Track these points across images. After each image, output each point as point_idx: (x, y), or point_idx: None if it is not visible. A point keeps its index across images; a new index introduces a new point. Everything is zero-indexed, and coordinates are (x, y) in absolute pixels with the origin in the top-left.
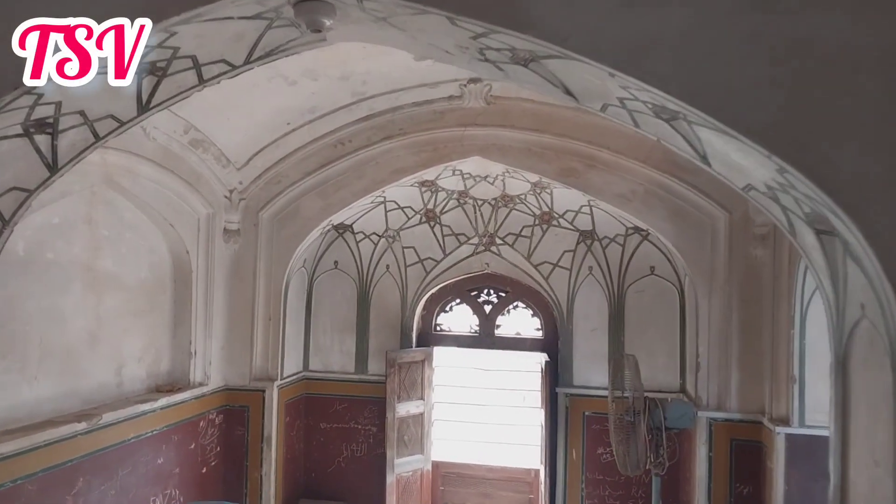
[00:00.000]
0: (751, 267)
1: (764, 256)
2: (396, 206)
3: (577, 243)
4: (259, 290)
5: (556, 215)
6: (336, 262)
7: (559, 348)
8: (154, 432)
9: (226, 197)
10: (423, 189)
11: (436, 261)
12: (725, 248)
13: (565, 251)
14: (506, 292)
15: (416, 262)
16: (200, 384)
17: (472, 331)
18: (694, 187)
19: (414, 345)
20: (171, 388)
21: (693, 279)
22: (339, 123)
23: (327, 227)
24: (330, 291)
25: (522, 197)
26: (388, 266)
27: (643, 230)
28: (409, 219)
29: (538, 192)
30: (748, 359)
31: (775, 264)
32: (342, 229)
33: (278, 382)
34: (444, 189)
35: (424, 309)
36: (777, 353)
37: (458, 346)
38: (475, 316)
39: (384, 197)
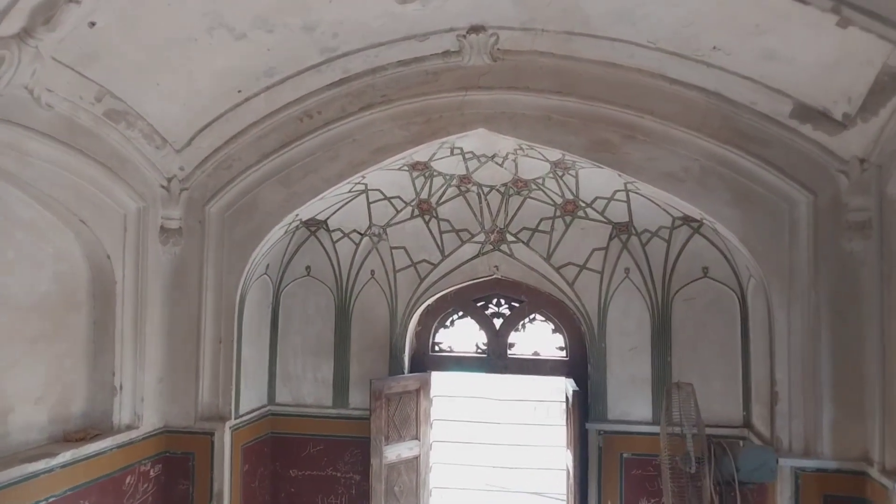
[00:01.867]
0: (845, 266)
1: (864, 252)
2: (381, 196)
3: (610, 239)
4: (207, 305)
5: (583, 204)
6: (308, 268)
7: (589, 373)
8: (52, 499)
9: (162, 187)
10: (415, 173)
11: (432, 264)
12: (809, 242)
13: (595, 249)
14: (520, 302)
15: (408, 266)
16: (129, 427)
17: (479, 351)
18: (766, 162)
19: (406, 370)
20: (84, 436)
21: (765, 283)
22: (305, 90)
23: (294, 224)
24: (301, 304)
25: (540, 181)
26: (372, 271)
27: (694, 221)
28: (397, 212)
29: (560, 174)
30: (846, 388)
31: (882, 261)
32: (314, 226)
33: (232, 422)
34: (440, 173)
35: (419, 324)
36: (891, 381)
37: (462, 370)
38: (482, 332)
39: (365, 184)
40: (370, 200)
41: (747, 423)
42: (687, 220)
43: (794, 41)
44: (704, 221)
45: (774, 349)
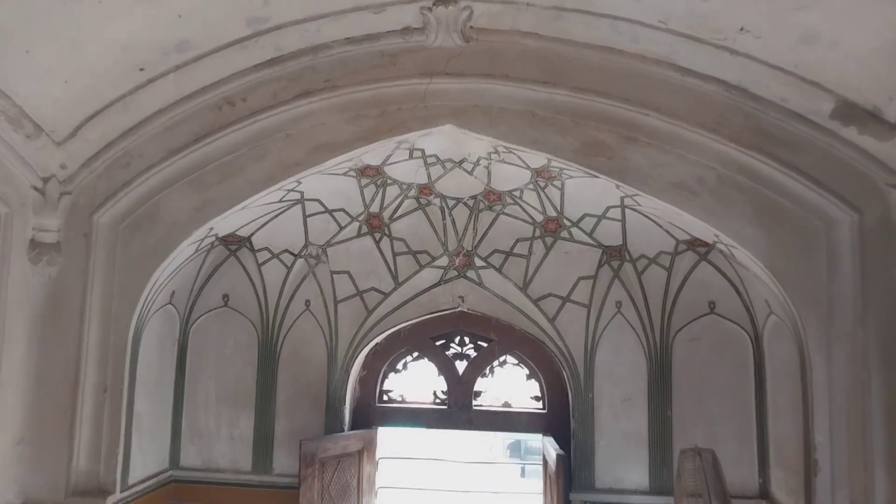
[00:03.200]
0: None
1: None
2: (321, 209)
3: (600, 266)
4: (89, 343)
5: (569, 222)
6: (226, 297)
7: (573, 429)
8: None
9: (35, 189)
10: (364, 180)
11: (383, 293)
12: (854, 270)
13: (581, 278)
14: (489, 341)
15: (353, 296)
16: None
17: (438, 401)
18: (798, 171)
19: (347, 426)
20: None
21: (799, 320)
22: (227, 71)
23: (209, 240)
24: (216, 342)
25: (517, 194)
26: (308, 302)
27: (702, 246)
28: (341, 228)
29: (542, 185)
30: None
31: None
32: (234, 243)
33: (118, 496)
34: (395, 181)
35: (365, 368)
36: None
37: (416, 425)
38: (442, 378)
39: (301, 192)
40: (307, 213)
41: (764, 494)
42: (694, 244)
43: (842, 19)
44: (718, 245)
45: (812, 405)
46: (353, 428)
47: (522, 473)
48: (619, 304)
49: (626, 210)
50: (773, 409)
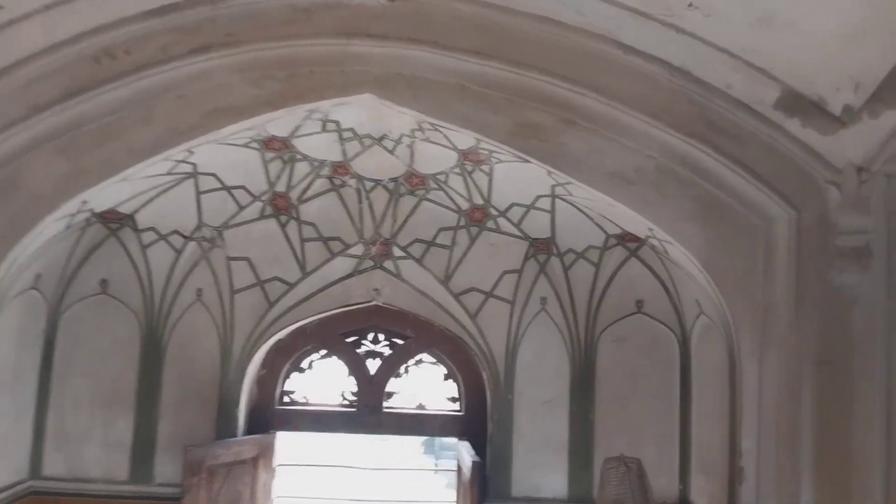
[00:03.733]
0: (834, 305)
1: (858, 286)
2: (218, 185)
3: (526, 259)
4: None
5: (496, 212)
6: (104, 283)
7: (490, 433)
8: None
9: None
10: (269, 154)
11: (288, 283)
12: (790, 272)
13: (506, 272)
14: (405, 338)
15: (253, 286)
16: None
17: (346, 403)
18: (739, 164)
19: (241, 430)
20: None
21: (732, 323)
22: (109, 17)
23: (83, 216)
24: (91, 334)
25: (442, 178)
26: (199, 291)
27: (632, 241)
28: (241, 208)
29: (470, 169)
30: (831, 463)
31: (892, 300)
32: (115, 222)
33: None
34: (306, 157)
35: (265, 367)
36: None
37: (321, 429)
38: (353, 378)
39: (194, 164)
40: (200, 189)
41: (684, 500)
42: (624, 238)
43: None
44: (651, 240)
45: (740, 411)
46: (249, 433)
47: (436, 470)
48: (543, 300)
49: (557, 200)
50: (698, 413)
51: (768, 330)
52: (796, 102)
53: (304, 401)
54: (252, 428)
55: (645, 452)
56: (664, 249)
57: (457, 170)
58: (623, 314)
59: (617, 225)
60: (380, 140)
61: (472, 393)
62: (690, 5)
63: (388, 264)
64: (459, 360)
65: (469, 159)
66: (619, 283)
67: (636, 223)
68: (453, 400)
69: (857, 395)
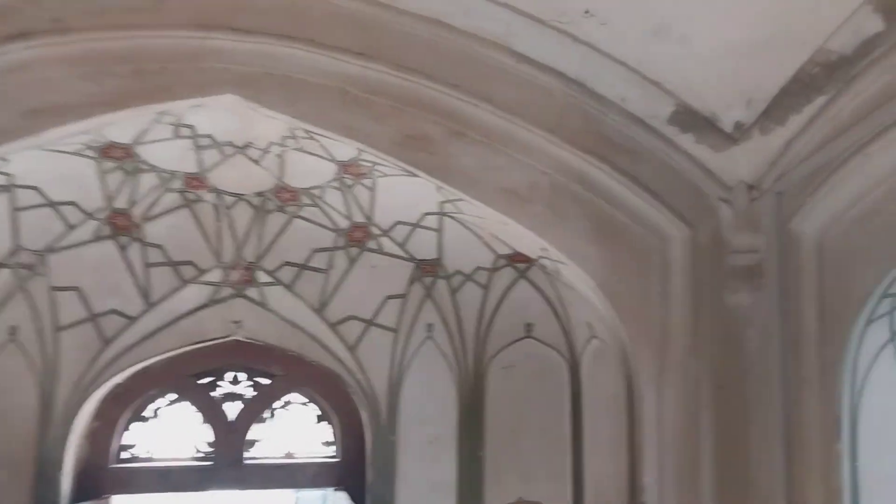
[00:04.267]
0: (728, 326)
1: (751, 307)
2: (41, 201)
3: (411, 283)
4: None
5: (378, 231)
6: None
7: (370, 480)
8: None
9: None
10: (107, 164)
11: (128, 318)
12: (685, 293)
13: (389, 297)
14: (271, 377)
15: (84, 321)
16: None
17: (200, 455)
18: (636, 182)
19: (66, 498)
20: None
21: (629, 348)
22: None
23: None
24: None
25: (317, 193)
26: (13, 330)
27: (522, 261)
28: (70, 228)
29: (349, 183)
30: (735, 499)
31: (786, 321)
32: None
33: None
34: (152, 167)
35: (98, 418)
36: (799, 485)
37: (170, 488)
38: (208, 425)
39: (9, 174)
40: (18, 205)
41: None
42: (513, 259)
43: (697, 11)
44: (543, 260)
45: (640, 442)
46: (77, 500)
47: None
48: (430, 327)
49: (445, 218)
50: (592, 444)
51: (667, 354)
52: (690, 118)
53: (147, 456)
54: (81, 494)
55: (537, 489)
56: (557, 270)
57: (335, 184)
58: (512, 339)
59: (508, 245)
60: (243, 149)
61: (351, 436)
62: (587, 12)
63: (252, 292)
64: (335, 398)
65: (349, 172)
66: (508, 306)
67: (529, 243)
68: (328, 444)
69: (753, 421)
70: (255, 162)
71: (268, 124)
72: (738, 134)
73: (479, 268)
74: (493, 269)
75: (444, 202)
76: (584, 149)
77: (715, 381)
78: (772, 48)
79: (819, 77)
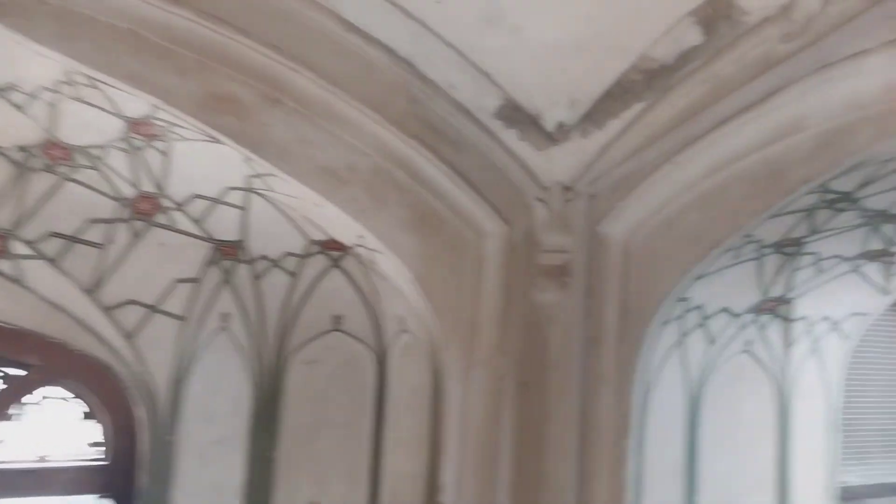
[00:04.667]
0: (535, 324)
1: (557, 306)
2: None
3: (207, 266)
4: None
5: (171, 203)
6: None
7: (142, 485)
8: None
9: None
10: None
11: None
12: (497, 289)
13: (179, 281)
14: (26, 368)
15: None
16: None
17: None
18: (459, 174)
19: None
20: None
21: (440, 342)
22: None
23: None
24: None
25: (97, 153)
26: None
27: (336, 249)
28: None
29: (139, 145)
30: (528, 492)
31: (589, 320)
32: None
33: None
34: None
35: None
36: (590, 478)
37: None
38: None
39: None
40: None
41: None
42: (327, 246)
43: (534, 3)
44: (359, 248)
45: (442, 439)
46: None
47: None
48: (226, 317)
49: (253, 195)
50: (393, 442)
51: (475, 349)
52: (515, 113)
53: None
54: None
55: (332, 490)
56: (373, 259)
57: (121, 144)
58: (319, 332)
59: (322, 230)
60: (4, 91)
61: (123, 436)
62: None
63: (5, 265)
64: (107, 394)
65: (140, 132)
66: (318, 296)
67: (346, 229)
68: (95, 445)
69: (552, 418)
70: (19, 108)
71: (38, 64)
72: (560, 134)
73: (288, 253)
74: (304, 256)
75: (252, 176)
76: (409, 133)
77: (519, 378)
78: (598, 50)
79: (639, 84)
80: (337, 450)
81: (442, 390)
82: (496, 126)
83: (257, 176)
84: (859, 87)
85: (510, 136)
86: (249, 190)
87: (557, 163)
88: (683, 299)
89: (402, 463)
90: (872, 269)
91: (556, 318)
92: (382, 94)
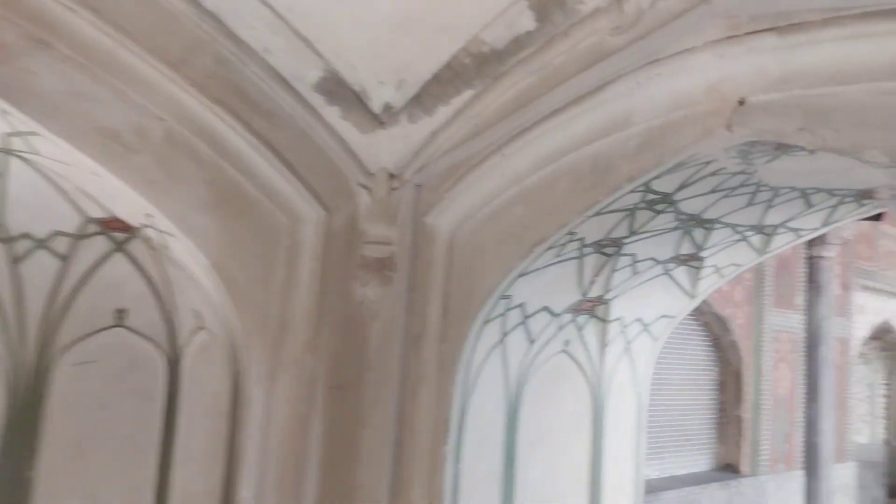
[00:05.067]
0: (354, 321)
1: (379, 302)
2: None
3: None
4: None
5: None
6: None
7: None
8: None
9: None
10: None
11: None
12: (313, 281)
13: None
14: None
15: None
16: None
17: None
18: (272, 150)
19: None
20: None
21: (242, 341)
22: None
23: None
24: None
25: None
26: None
27: (120, 229)
28: None
29: None
30: (340, 502)
31: (412, 318)
32: None
33: None
34: None
35: None
36: (406, 487)
37: None
38: None
39: None
40: None
41: None
42: (109, 225)
43: None
44: (148, 230)
45: (241, 450)
46: None
47: None
48: None
49: (12, 158)
50: (184, 456)
51: (283, 350)
52: (339, 89)
53: None
54: None
55: None
56: (164, 243)
57: None
58: (96, 328)
59: (102, 206)
60: None
61: None
62: None
63: None
64: None
65: None
66: (96, 285)
67: (132, 205)
68: None
69: (367, 423)
70: None
71: None
72: (387, 117)
73: (57, 232)
74: (80, 237)
75: (10, 134)
76: (213, 98)
77: (332, 381)
78: (429, 27)
79: (470, 69)
80: (114, 466)
81: (243, 396)
82: (316, 100)
83: (17, 134)
84: (685, 85)
85: (332, 114)
86: (7, 151)
87: (383, 147)
88: (506, 297)
89: (194, 479)
90: (681, 273)
91: (376, 315)
92: (183, 50)
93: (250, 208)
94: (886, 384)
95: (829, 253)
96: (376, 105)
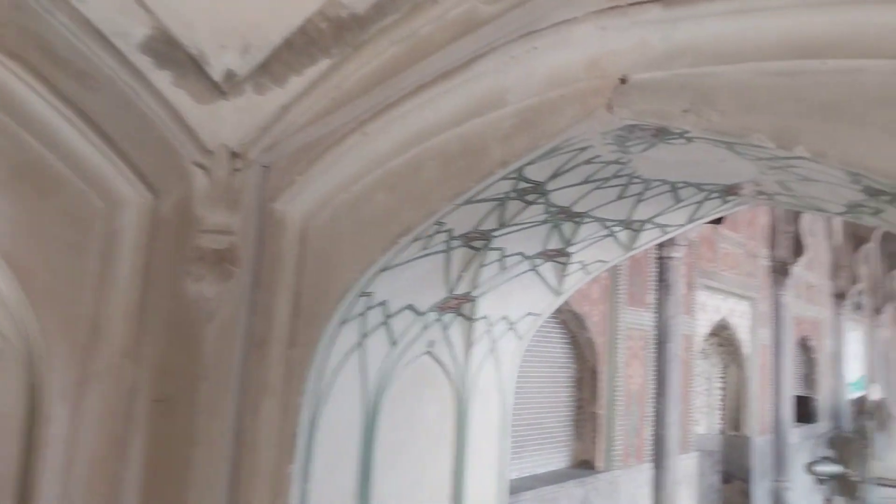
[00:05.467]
0: (185, 322)
1: (217, 300)
2: None
3: None
4: None
5: None
6: None
7: None
8: None
9: None
10: None
11: None
12: (135, 275)
13: None
14: None
15: None
16: None
17: None
18: (86, 119)
19: None
20: None
21: (40, 347)
22: None
23: None
24: None
25: None
26: None
27: None
28: None
29: None
30: None
31: (255, 318)
32: None
33: None
34: None
35: None
36: None
37: None
38: None
39: None
40: None
41: None
42: None
43: None
44: None
45: (36, 480)
46: None
47: None
48: None
49: None
50: None
51: (96, 357)
52: (171, 50)
53: None
54: None
55: None
56: None
57: None
58: None
59: None
60: None
61: None
62: None
63: None
64: None
65: None
66: None
67: None
68: None
69: (199, 441)
70: None
71: None
72: (229, 86)
73: None
74: None
75: None
76: (8, 51)
77: (157, 392)
78: None
79: (327, 35)
80: None
81: (39, 414)
82: (143, 63)
83: None
84: (563, 60)
85: (162, 79)
86: None
87: (224, 122)
88: (366, 294)
89: None
90: (548, 269)
91: (213, 315)
92: None
93: (55, 188)
94: (722, 377)
95: (678, 254)
96: (216, 72)
